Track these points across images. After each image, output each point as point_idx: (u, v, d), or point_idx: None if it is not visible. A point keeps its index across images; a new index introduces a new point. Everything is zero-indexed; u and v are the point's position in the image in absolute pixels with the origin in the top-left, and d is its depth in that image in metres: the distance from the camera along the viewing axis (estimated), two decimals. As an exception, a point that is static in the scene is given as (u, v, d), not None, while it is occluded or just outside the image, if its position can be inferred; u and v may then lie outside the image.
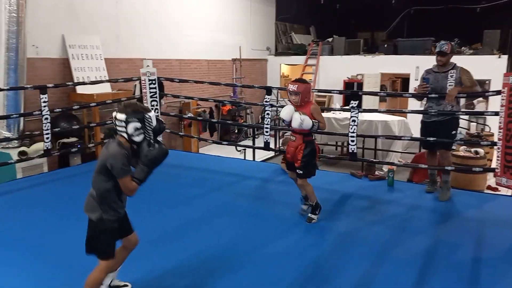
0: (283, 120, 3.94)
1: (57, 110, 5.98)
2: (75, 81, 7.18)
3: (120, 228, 2.60)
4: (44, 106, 5.32)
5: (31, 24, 6.50)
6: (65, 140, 6.73)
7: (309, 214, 3.99)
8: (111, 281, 2.73)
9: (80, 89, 7.27)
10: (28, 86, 5.71)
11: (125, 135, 2.43)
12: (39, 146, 5.95)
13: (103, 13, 8.13)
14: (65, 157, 6.78)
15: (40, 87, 5.43)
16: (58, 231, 3.76)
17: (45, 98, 5.33)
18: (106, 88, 7.62)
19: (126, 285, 2.81)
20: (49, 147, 5.47)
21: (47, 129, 5.38)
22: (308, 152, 3.84)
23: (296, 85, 3.74)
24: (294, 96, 3.77)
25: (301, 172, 3.83)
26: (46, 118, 5.35)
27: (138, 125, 2.42)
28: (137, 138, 2.44)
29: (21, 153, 5.98)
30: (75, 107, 6.31)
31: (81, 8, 7.67)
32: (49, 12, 7.10)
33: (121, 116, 2.41)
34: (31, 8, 6.46)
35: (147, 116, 2.45)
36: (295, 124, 3.74)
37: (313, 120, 3.74)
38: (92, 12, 7.91)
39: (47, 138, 5.41)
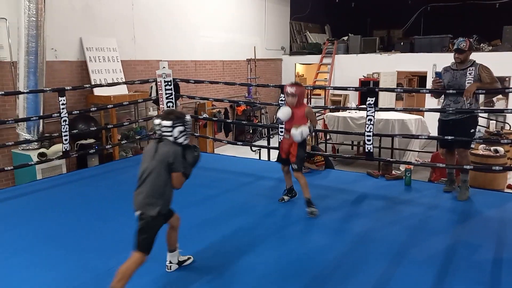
0: (278, 119, 4.21)
1: (75, 112, 6.08)
2: (93, 83, 7.28)
3: (166, 219, 2.89)
4: (63, 109, 5.42)
5: (49, 27, 6.62)
6: (83, 142, 6.83)
7: (308, 209, 4.12)
8: (177, 258, 3.11)
9: (97, 91, 7.37)
10: (47, 89, 5.82)
11: (171, 138, 2.74)
12: (58, 148, 6.05)
13: (119, 16, 8.23)
14: (83, 158, 6.88)
15: (59, 89, 5.54)
16: (78, 230, 3.82)
17: (64, 100, 5.43)
18: (122, 89, 7.71)
19: (189, 258, 3.20)
20: (67, 149, 5.57)
21: (66, 131, 5.48)
22: (301, 149, 4.19)
23: (294, 88, 4.05)
24: (292, 98, 4.07)
25: (296, 166, 4.16)
26: (65, 120, 5.45)
27: (182, 128, 2.75)
28: (181, 140, 2.77)
29: (41, 155, 6.09)
30: (93, 109, 6.40)
31: (98, 11, 7.78)
32: (67, 15, 7.22)
33: (168, 123, 2.72)
34: (49, 12, 6.58)
35: (187, 119, 2.80)
36: (297, 139, 4.01)
37: (308, 125, 4.04)
38: (109, 15, 8.01)
39: (66, 139, 5.52)
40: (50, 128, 6.65)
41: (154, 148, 2.74)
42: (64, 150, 5.56)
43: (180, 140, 2.76)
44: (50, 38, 6.72)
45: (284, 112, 4.09)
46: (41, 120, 6.34)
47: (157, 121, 2.76)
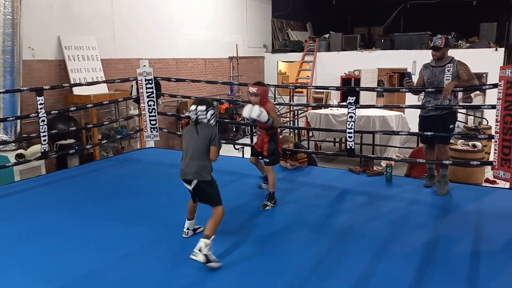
0: (247, 119, 4.33)
1: (54, 112, 5.96)
2: (72, 82, 7.17)
3: None
4: (41, 108, 5.30)
5: (26, 26, 6.48)
6: (63, 142, 6.72)
7: (265, 202, 4.28)
8: (193, 226, 3.60)
9: (76, 91, 7.26)
10: (24, 88, 5.70)
11: (205, 120, 3.29)
12: (36, 149, 5.94)
13: (98, 14, 8.11)
14: (63, 159, 6.77)
15: (36, 89, 5.42)
16: (57, 232, 3.76)
17: (42, 100, 5.32)
18: (103, 89, 7.61)
19: (200, 227, 3.59)
20: (46, 149, 5.46)
21: (44, 131, 5.37)
22: (273, 144, 4.34)
23: (256, 88, 4.22)
24: (254, 97, 4.23)
25: (267, 160, 4.32)
26: (43, 120, 5.34)
27: (212, 112, 3.31)
28: (212, 122, 3.33)
29: (19, 156, 5.97)
30: (72, 108, 6.30)
31: (76, 9, 7.64)
32: (44, 13, 7.08)
33: (202, 107, 3.27)
34: (26, 10, 6.44)
35: (215, 105, 3.38)
36: (254, 114, 4.11)
37: (269, 116, 4.16)
38: (88, 13, 7.88)
39: (44, 140, 5.40)
40: (28, 129, 6.52)
41: (195, 130, 3.28)
42: (42, 150, 5.45)
43: (211, 122, 3.33)
44: (27, 36, 6.58)
45: (248, 110, 4.21)
46: (18, 121, 6.21)
47: (193, 107, 3.30)
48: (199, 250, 3.02)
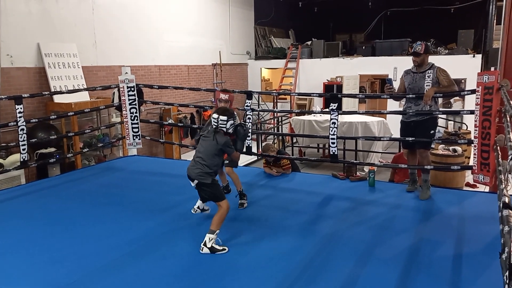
0: None
1: (34, 120, 5.85)
2: (52, 90, 7.05)
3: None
4: (20, 117, 5.21)
5: (4, 33, 6.37)
6: (43, 151, 6.60)
7: (240, 201, 4.49)
8: (203, 206, 4.11)
9: (57, 98, 7.15)
10: (3, 96, 5.58)
11: (224, 129, 3.64)
12: (15, 158, 5.81)
13: (79, 20, 8.02)
14: (43, 168, 6.64)
15: (15, 97, 5.32)
16: (38, 243, 3.67)
17: (21, 108, 5.22)
18: (84, 96, 7.51)
19: (208, 209, 4.13)
20: (25, 159, 5.35)
21: (23, 140, 5.27)
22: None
23: (228, 95, 4.56)
24: (224, 103, 4.51)
25: (226, 162, 4.57)
26: (22, 129, 5.24)
27: (232, 122, 3.65)
28: (230, 130, 3.67)
29: (-3, 165, 5.84)
30: (53, 116, 6.19)
31: (56, 16, 7.54)
32: (23, 20, 6.96)
33: (224, 118, 3.61)
34: (4, 16, 6.33)
35: (235, 115, 3.74)
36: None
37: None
38: (68, 20, 7.79)
39: (24, 149, 5.30)
40: (7, 138, 6.39)
41: (213, 137, 3.60)
42: (22, 160, 5.34)
43: (230, 131, 3.66)
44: (5, 43, 6.47)
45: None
46: (-4, 130, 6.07)
47: (215, 115, 3.62)
48: (204, 245, 3.41)
